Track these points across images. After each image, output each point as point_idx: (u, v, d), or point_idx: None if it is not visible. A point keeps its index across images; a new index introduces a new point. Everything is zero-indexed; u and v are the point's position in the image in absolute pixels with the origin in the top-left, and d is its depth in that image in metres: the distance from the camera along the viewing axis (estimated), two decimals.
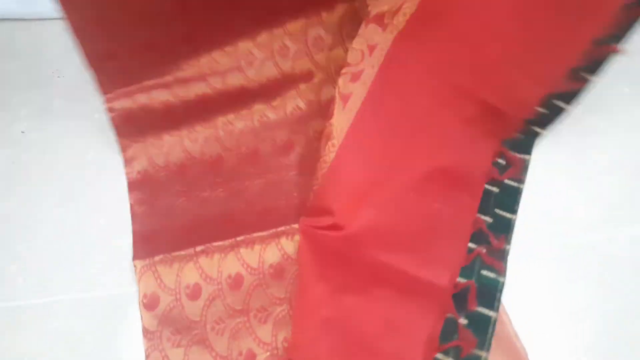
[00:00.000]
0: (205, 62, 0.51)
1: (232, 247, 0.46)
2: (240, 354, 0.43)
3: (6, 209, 0.54)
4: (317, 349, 0.40)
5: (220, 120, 0.52)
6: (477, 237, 0.42)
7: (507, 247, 0.43)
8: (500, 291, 0.40)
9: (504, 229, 0.43)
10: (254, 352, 0.43)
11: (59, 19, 0.65)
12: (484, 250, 0.42)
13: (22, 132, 0.59)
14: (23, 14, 0.66)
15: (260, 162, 0.51)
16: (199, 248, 0.47)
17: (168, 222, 0.49)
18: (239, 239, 0.47)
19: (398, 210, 0.43)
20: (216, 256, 0.46)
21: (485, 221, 0.43)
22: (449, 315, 0.40)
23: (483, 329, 0.39)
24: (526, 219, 0.46)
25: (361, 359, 0.39)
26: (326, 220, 0.42)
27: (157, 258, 0.47)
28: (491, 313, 0.39)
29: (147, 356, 0.43)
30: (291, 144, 0.51)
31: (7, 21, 0.66)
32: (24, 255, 0.51)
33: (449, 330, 0.40)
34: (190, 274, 0.46)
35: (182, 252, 0.46)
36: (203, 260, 0.46)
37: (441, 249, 0.42)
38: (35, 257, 0.51)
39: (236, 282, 0.45)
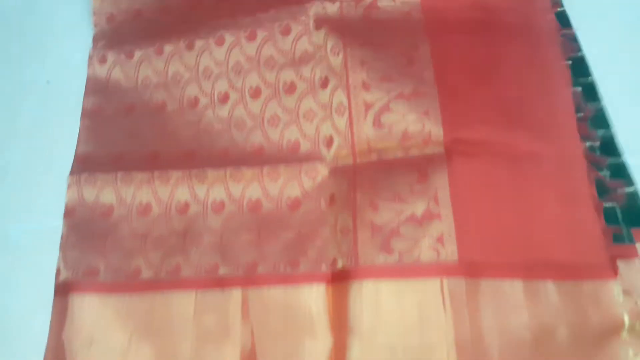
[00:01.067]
0: None
1: (149, 179, 0.54)
2: (129, 267, 0.50)
3: None
4: None
5: None
6: None
7: None
8: None
9: None
10: (140, 269, 0.51)
11: None
12: None
13: (47, 82, 0.64)
14: None
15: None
16: (119, 174, 0.54)
17: (104, 150, 0.57)
18: (155, 173, 0.54)
19: None
20: (134, 182, 0.54)
21: None
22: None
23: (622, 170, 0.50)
24: None
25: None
26: None
27: (83, 175, 0.54)
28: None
29: (58, 253, 0.52)
30: None
31: None
32: None
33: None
34: (107, 195, 0.54)
35: (105, 175, 0.54)
36: (120, 185, 0.54)
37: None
38: None
39: (145, 209, 0.53)
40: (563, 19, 0.57)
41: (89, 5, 0.66)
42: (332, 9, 0.59)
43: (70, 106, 0.61)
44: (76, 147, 0.57)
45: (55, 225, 0.54)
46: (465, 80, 0.54)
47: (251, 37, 0.59)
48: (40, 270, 0.53)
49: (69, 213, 0.54)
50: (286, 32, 0.59)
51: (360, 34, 0.57)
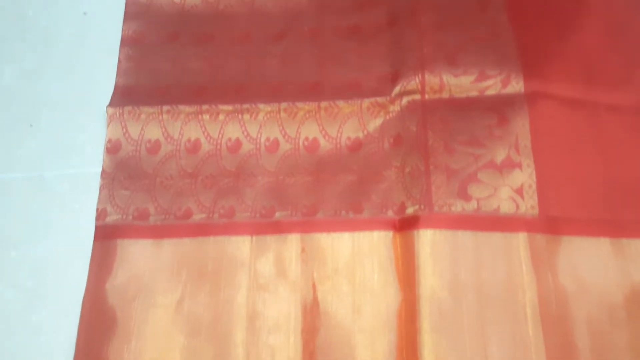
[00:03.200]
0: None
1: (197, 114, 0.49)
2: (179, 209, 0.46)
3: None
4: None
5: None
6: None
7: None
8: None
9: None
10: (192, 210, 0.46)
11: None
12: None
13: (85, 13, 0.60)
14: None
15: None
16: (165, 107, 0.49)
17: (147, 81, 0.52)
18: (204, 107, 0.49)
19: None
20: (181, 117, 0.49)
21: None
22: None
23: None
24: None
25: None
26: None
27: (126, 108, 0.49)
28: None
29: (99, 193, 0.47)
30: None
31: None
32: None
33: None
34: (153, 130, 0.49)
35: (150, 109, 0.49)
36: (167, 119, 0.49)
37: None
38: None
39: (194, 146, 0.49)
40: None
41: None
42: None
43: (109, 40, 0.56)
44: (116, 78, 0.52)
45: (92, 172, 0.49)
46: (541, 26, 0.51)
47: None
48: (76, 216, 0.48)
49: (112, 149, 0.49)
50: None
51: None
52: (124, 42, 0.54)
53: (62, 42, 0.58)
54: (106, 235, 0.46)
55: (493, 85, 0.48)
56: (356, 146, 0.48)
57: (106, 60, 0.55)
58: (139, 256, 0.45)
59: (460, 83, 0.48)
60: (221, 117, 0.49)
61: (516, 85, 0.47)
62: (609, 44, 0.50)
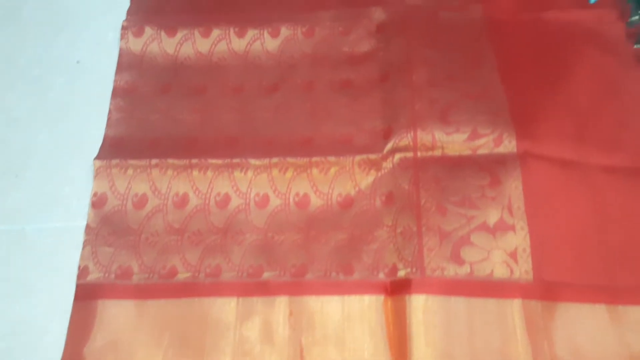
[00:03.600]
0: None
1: (186, 167, 0.48)
2: (164, 267, 0.45)
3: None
4: None
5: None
6: None
7: None
8: None
9: None
10: (177, 269, 0.45)
11: None
12: None
13: (78, 62, 0.60)
14: None
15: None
16: (154, 161, 0.48)
17: (137, 133, 0.51)
18: (193, 161, 0.48)
19: None
20: (170, 171, 0.48)
21: None
22: None
23: None
24: None
25: None
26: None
27: (114, 161, 0.48)
28: None
29: (82, 249, 0.46)
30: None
31: None
32: None
33: None
34: (140, 184, 0.48)
35: (138, 162, 0.48)
36: (155, 173, 0.48)
37: None
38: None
39: (182, 200, 0.47)
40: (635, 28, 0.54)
41: None
42: (394, 14, 0.56)
43: (101, 89, 0.55)
44: (106, 129, 0.52)
45: (76, 226, 0.48)
46: (532, 86, 0.51)
47: (309, 33, 0.55)
48: (57, 273, 0.46)
49: (97, 203, 0.48)
50: (346, 32, 0.55)
51: (423, 35, 0.54)
52: (116, 93, 0.54)
53: (53, 91, 0.58)
54: (87, 295, 0.44)
55: (485, 144, 0.47)
56: (347, 203, 0.47)
57: (97, 110, 0.54)
58: (119, 318, 0.43)
59: (452, 141, 0.48)
60: (210, 172, 0.48)
61: (508, 145, 0.47)
62: (601, 104, 0.50)
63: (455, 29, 0.55)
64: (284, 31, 0.56)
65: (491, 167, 0.46)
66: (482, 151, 0.47)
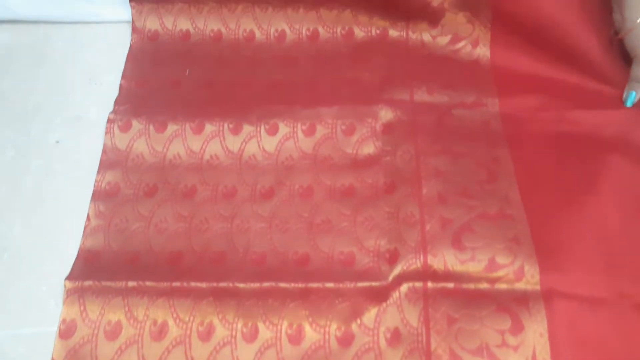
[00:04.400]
0: None
1: (166, 292, 0.42)
2: None
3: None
4: None
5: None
6: None
7: None
8: None
9: None
10: None
11: (96, 22, 0.63)
12: None
13: (57, 142, 0.56)
14: (59, 16, 0.62)
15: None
16: (130, 283, 0.42)
17: (116, 244, 0.45)
18: (175, 284, 0.42)
19: None
20: (146, 297, 0.42)
21: None
22: None
23: None
24: None
25: None
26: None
27: (86, 283, 0.43)
28: None
29: None
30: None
31: (42, 24, 0.63)
32: None
33: None
34: (115, 310, 0.42)
35: (113, 284, 0.43)
36: (131, 298, 0.42)
37: None
38: None
39: (160, 331, 0.41)
40: None
41: (110, 58, 0.59)
42: (402, 113, 0.51)
43: (82, 171, 0.51)
44: (82, 239, 0.47)
45: (53, 332, 0.42)
46: (556, 204, 0.46)
47: (309, 132, 0.50)
48: None
49: (65, 332, 0.42)
50: (350, 132, 0.50)
51: (434, 140, 0.50)
52: (95, 196, 0.49)
53: (29, 174, 0.53)
54: None
55: (505, 277, 0.42)
56: (348, 341, 0.42)
57: (77, 197, 0.50)
58: None
59: (467, 270, 0.43)
60: (193, 297, 0.43)
61: (531, 280, 0.42)
62: (633, 226, 0.45)
63: (470, 131, 0.51)
64: (283, 128, 0.51)
65: (512, 307, 0.41)
66: (501, 286, 0.42)
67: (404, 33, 0.56)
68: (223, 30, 0.58)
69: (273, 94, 0.54)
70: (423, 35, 0.56)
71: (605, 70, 0.52)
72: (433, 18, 0.56)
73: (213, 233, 0.46)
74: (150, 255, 0.45)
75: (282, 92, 0.54)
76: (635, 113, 0.50)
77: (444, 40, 0.56)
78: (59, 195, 0.51)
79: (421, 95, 0.53)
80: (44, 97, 0.58)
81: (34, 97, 0.58)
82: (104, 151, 0.51)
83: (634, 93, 0.48)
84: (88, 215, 0.48)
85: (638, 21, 0.47)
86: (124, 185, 0.49)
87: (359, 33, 0.57)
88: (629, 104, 0.48)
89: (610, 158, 0.48)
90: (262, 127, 0.51)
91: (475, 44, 0.55)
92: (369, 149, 0.50)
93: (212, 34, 0.58)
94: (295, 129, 0.51)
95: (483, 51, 0.55)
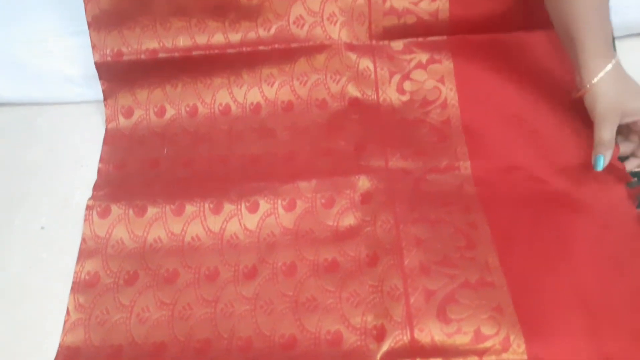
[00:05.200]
0: None
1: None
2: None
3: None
4: None
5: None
6: None
7: None
8: None
9: None
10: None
11: (81, 103, 0.64)
12: None
13: (42, 228, 0.56)
14: (44, 98, 0.63)
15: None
16: None
17: (96, 339, 0.46)
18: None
19: None
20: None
21: None
22: None
23: None
24: None
25: None
26: None
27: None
28: None
29: None
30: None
31: (28, 106, 0.63)
32: None
33: None
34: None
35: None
36: None
37: None
38: None
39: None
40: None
41: (96, 139, 0.59)
42: (379, 182, 0.52)
43: (67, 258, 0.51)
44: (62, 335, 0.46)
45: None
46: (534, 268, 0.47)
47: (290, 207, 0.51)
48: None
49: None
50: (329, 204, 0.51)
51: (412, 208, 0.50)
52: (75, 288, 0.49)
53: (13, 264, 0.52)
54: None
55: (492, 349, 0.42)
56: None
57: (62, 286, 0.49)
58: None
59: (454, 344, 0.42)
60: None
61: (518, 349, 0.42)
62: (606, 287, 0.45)
63: (445, 195, 0.52)
64: (263, 205, 0.52)
65: None
66: (490, 358, 0.42)
67: (375, 98, 0.58)
68: (199, 104, 0.59)
69: (252, 169, 0.55)
70: (393, 101, 0.57)
71: (571, 128, 0.53)
72: (400, 86, 0.57)
73: (196, 320, 0.46)
74: (133, 348, 0.45)
75: (261, 166, 0.55)
76: (603, 174, 0.51)
77: (414, 104, 0.57)
78: (42, 286, 0.50)
79: (396, 162, 0.54)
80: (30, 181, 0.58)
81: (19, 182, 0.58)
82: (83, 240, 0.51)
83: (601, 157, 0.48)
84: (68, 310, 0.47)
85: (593, 81, 0.48)
86: (103, 274, 0.49)
87: (332, 103, 0.58)
88: (599, 168, 0.49)
89: (581, 218, 0.49)
90: (243, 205, 0.51)
91: (444, 105, 0.56)
92: (349, 220, 0.51)
93: (187, 109, 0.59)
94: (275, 205, 0.51)
95: (453, 111, 0.56)
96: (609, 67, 0.47)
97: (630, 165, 0.51)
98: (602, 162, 0.48)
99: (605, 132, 0.48)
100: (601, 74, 0.47)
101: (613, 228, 0.49)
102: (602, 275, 0.46)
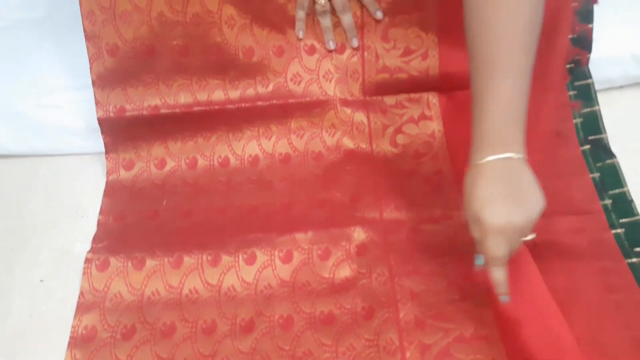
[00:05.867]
0: None
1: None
2: None
3: None
4: None
5: None
6: None
7: None
8: None
9: None
10: None
11: (81, 154, 0.66)
12: None
13: (41, 280, 0.56)
14: (45, 149, 0.64)
15: None
16: None
17: None
18: None
19: None
20: None
21: None
22: None
23: None
24: None
25: None
26: None
27: None
28: None
29: None
30: None
31: (30, 157, 0.65)
32: None
33: None
34: None
35: None
36: None
37: None
38: None
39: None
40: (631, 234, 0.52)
41: (96, 189, 0.60)
42: (374, 233, 0.54)
43: (66, 311, 0.51)
44: None
45: None
46: (525, 320, 0.47)
47: (287, 259, 0.52)
48: None
49: None
50: (325, 256, 0.52)
51: (406, 260, 0.52)
52: (72, 343, 0.49)
53: (12, 316, 0.52)
54: None
55: None
56: None
57: (60, 339, 0.49)
58: None
59: None
60: None
61: None
62: (604, 337, 0.46)
63: (439, 246, 0.53)
64: (261, 257, 0.52)
65: None
66: None
67: (369, 150, 0.60)
68: (198, 157, 0.61)
69: (250, 220, 0.56)
70: (387, 153, 0.59)
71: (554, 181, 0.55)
72: (393, 139, 0.60)
73: None
74: None
75: (258, 217, 0.56)
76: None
77: (406, 156, 0.59)
78: (41, 338, 0.50)
79: (390, 213, 0.55)
80: (30, 232, 0.58)
81: (20, 233, 0.59)
82: (81, 293, 0.51)
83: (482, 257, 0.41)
84: None
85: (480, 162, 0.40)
86: (101, 329, 0.49)
87: (328, 155, 0.60)
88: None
89: (578, 268, 0.50)
90: (241, 256, 0.52)
91: (435, 158, 0.58)
92: (345, 272, 0.52)
93: (187, 161, 0.61)
94: (272, 257, 0.52)
95: (444, 163, 0.58)
96: (490, 158, 0.38)
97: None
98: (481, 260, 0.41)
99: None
100: (481, 161, 0.39)
101: (611, 275, 0.49)
102: (597, 327, 0.47)
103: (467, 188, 0.41)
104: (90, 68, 0.57)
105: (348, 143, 0.60)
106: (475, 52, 0.41)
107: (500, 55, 0.39)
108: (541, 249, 0.48)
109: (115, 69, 0.57)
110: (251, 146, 0.61)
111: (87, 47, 0.56)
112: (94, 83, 0.58)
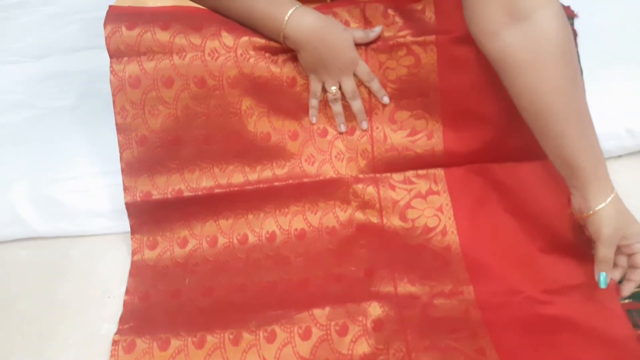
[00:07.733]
0: None
1: None
2: None
3: None
4: None
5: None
6: None
7: None
8: None
9: None
10: None
11: (108, 234, 0.69)
12: None
13: None
14: (76, 231, 0.68)
15: None
16: None
17: None
18: None
19: None
20: None
21: None
22: None
23: None
24: None
25: None
26: None
27: None
28: None
29: None
30: None
31: (61, 239, 0.68)
32: None
33: None
34: None
35: None
36: None
37: None
38: None
39: None
40: None
41: (124, 269, 0.63)
42: (389, 309, 0.55)
43: None
44: None
45: None
46: None
47: (306, 336, 0.54)
48: None
49: None
50: (343, 332, 0.54)
51: (422, 335, 0.53)
52: None
53: None
54: None
55: None
56: None
57: None
58: None
59: None
60: None
61: None
62: None
63: (452, 320, 0.55)
64: (280, 334, 0.54)
65: None
66: None
67: (380, 224, 0.63)
68: (219, 235, 0.64)
69: (269, 296, 0.58)
70: (397, 227, 0.62)
71: (564, 251, 0.57)
72: (402, 213, 0.63)
73: None
74: None
75: (277, 294, 0.58)
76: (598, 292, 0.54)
77: (416, 230, 0.62)
78: None
79: (404, 286, 0.57)
80: (60, 316, 0.61)
81: (49, 317, 0.61)
82: None
83: (604, 274, 0.51)
84: None
85: (597, 208, 0.51)
86: None
87: (341, 230, 0.63)
88: (603, 285, 0.52)
89: (584, 341, 0.51)
90: (261, 334, 0.54)
91: (444, 233, 0.61)
92: (363, 348, 0.53)
93: (208, 240, 0.64)
94: (292, 334, 0.54)
95: (452, 238, 0.61)
96: (614, 193, 0.51)
97: (626, 290, 0.54)
98: (604, 278, 0.51)
99: (610, 251, 0.51)
100: (608, 199, 0.50)
101: (614, 348, 0.51)
102: None
103: (604, 226, 0.51)
104: (120, 157, 0.62)
105: (360, 218, 0.63)
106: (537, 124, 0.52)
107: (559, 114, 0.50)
108: None
109: (143, 158, 0.61)
110: (268, 223, 0.64)
111: (118, 139, 0.61)
112: (122, 171, 0.62)
